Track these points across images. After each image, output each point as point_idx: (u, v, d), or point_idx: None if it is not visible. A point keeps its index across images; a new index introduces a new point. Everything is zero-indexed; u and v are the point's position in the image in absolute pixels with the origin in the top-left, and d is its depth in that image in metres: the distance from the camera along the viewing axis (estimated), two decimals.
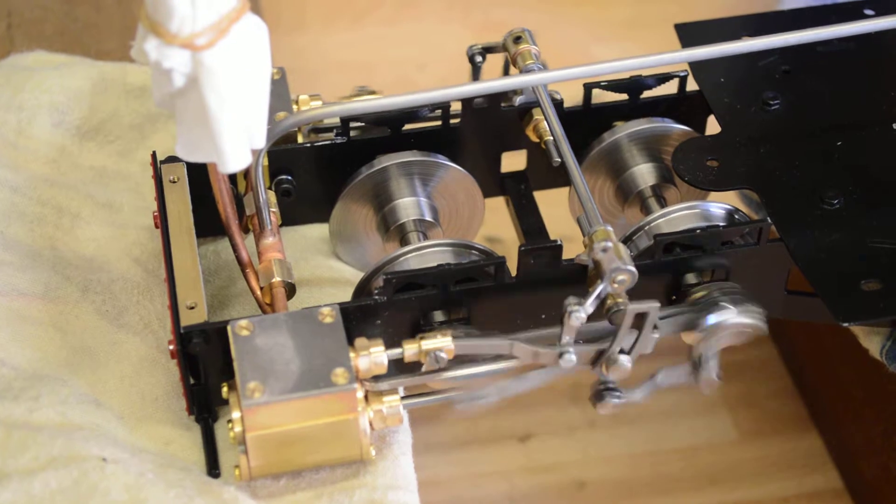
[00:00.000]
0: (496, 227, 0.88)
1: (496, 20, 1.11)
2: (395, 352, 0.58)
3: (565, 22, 1.12)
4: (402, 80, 1.06)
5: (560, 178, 0.71)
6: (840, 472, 0.81)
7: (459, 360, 0.59)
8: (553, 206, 0.74)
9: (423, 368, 0.59)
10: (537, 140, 0.69)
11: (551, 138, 0.67)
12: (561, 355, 0.58)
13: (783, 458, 0.82)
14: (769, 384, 0.85)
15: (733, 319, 0.60)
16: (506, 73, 0.71)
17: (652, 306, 0.57)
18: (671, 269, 0.62)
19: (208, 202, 0.61)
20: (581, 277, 0.60)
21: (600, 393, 0.59)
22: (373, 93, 0.70)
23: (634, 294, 0.58)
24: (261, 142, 0.55)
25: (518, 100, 0.69)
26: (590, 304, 0.57)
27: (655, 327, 0.58)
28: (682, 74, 0.69)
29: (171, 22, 0.51)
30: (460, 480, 0.80)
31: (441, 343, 0.58)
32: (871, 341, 0.65)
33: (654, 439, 0.82)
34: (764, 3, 1.13)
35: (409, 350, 0.58)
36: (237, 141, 0.54)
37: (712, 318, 0.60)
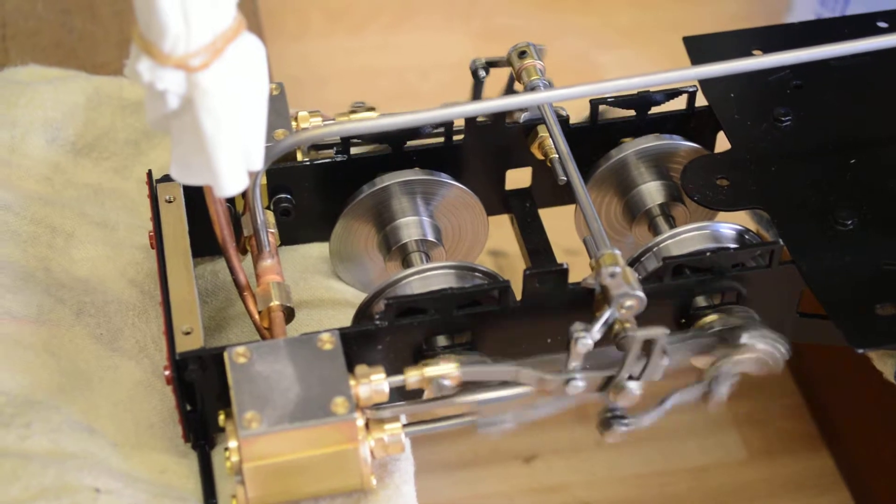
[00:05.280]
0: (501, 242, 0.86)
1: (497, 28, 1.10)
2: (397, 379, 0.56)
3: (567, 29, 1.11)
4: (404, 89, 1.05)
5: (566, 195, 0.70)
6: (851, 492, 0.80)
7: (465, 386, 0.57)
8: (559, 218, 0.73)
9: (425, 395, 0.58)
10: (542, 157, 0.67)
11: (557, 156, 0.65)
12: (567, 382, 0.57)
13: (794, 477, 0.81)
14: (780, 402, 0.84)
15: (761, 344, 0.58)
16: (510, 86, 0.70)
17: (660, 332, 0.55)
18: (680, 293, 0.60)
19: (206, 220, 0.59)
20: (588, 301, 0.59)
21: (608, 420, 0.58)
22: (370, 109, 0.69)
23: (643, 318, 0.56)
24: (258, 163, 0.54)
25: (523, 116, 0.67)
26: (597, 331, 0.55)
27: (665, 353, 0.56)
28: (691, 90, 0.68)
29: (165, 42, 0.49)
30: (463, 502, 0.78)
31: (445, 370, 0.56)
32: (885, 364, 0.64)
33: (661, 459, 0.81)
34: (769, 11, 1.12)
35: (412, 377, 0.56)
36: (234, 164, 0.52)
37: (745, 338, 0.58)
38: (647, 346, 0.56)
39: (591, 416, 0.78)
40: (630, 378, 0.57)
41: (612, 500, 0.79)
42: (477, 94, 0.69)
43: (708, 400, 0.59)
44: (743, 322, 0.59)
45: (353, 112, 0.68)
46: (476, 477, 0.80)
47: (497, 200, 0.70)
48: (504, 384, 0.57)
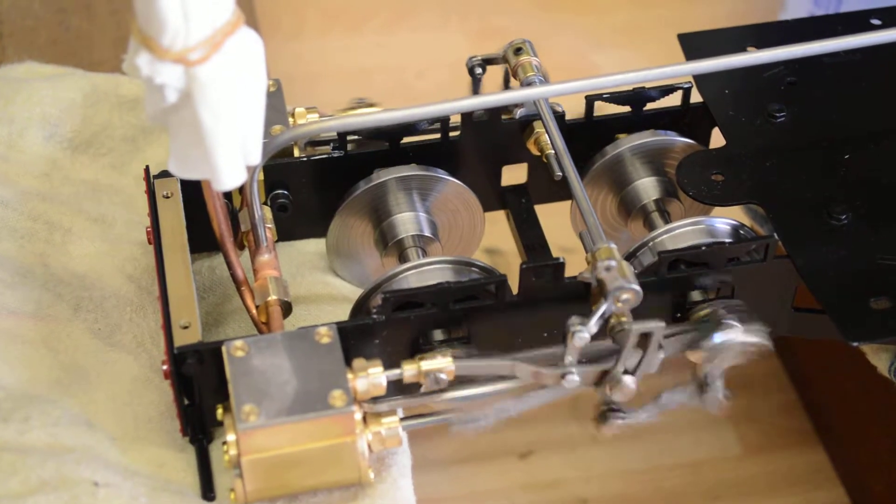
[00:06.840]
0: (496, 239, 0.87)
1: (493, 27, 1.10)
2: (394, 372, 0.56)
3: (563, 29, 1.11)
4: (400, 87, 1.05)
5: (562, 191, 0.70)
6: (846, 488, 0.80)
7: (460, 381, 0.58)
8: (554, 216, 0.73)
9: (422, 389, 0.58)
10: (538, 153, 0.68)
11: (553, 152, 0.66)
12: (563, 376, 0.57)
13: (788, 473, 0.81)
14: (774, 398, 0.84)
15: (739, 338, 0.58)
16: (506, 83, 0.70)
17: (656, 326, 0.55)
18: (676, 287, 0.61)
19: (203, 216, 0.60)
20: (584, 295, 0.59)
21: (604, 414, 0.58)
22: (371, 105, 0.69)
23: (639, 312, 0.57)
24: (256, 158, 0.54)
25: (519, 112, 0.68)
26: (593, 324, 0.56)
27: (660, 346, 0.57)
28: (685, 86, 0.68)
29: (164, 36, 0.50)
30: (460, 499, 0.79)
31: (441, 364, 0.56)
32: (880, 359, 0.64)
33: (656, 455, 0.81)
34: (764, 8, 1.12)
35: (409, 371, 0.56)
36: (232, 158, 0.52)
37: (718, 337, 0.58)
38: (643, 340, 0.56)
39: (586, 412, 0.78)
40: (626, 372, 0.57)
41: (609, 495, 0.79)
42: (476, 92, 0.69)
43: (703, 399, 0.59)
44: (717, 320, 0.60)
45: (352, 108, 0.68)
46: (472, 473, 0.80)
47: (493, 196, 0.70)
48: (500, 378, 0.58)
